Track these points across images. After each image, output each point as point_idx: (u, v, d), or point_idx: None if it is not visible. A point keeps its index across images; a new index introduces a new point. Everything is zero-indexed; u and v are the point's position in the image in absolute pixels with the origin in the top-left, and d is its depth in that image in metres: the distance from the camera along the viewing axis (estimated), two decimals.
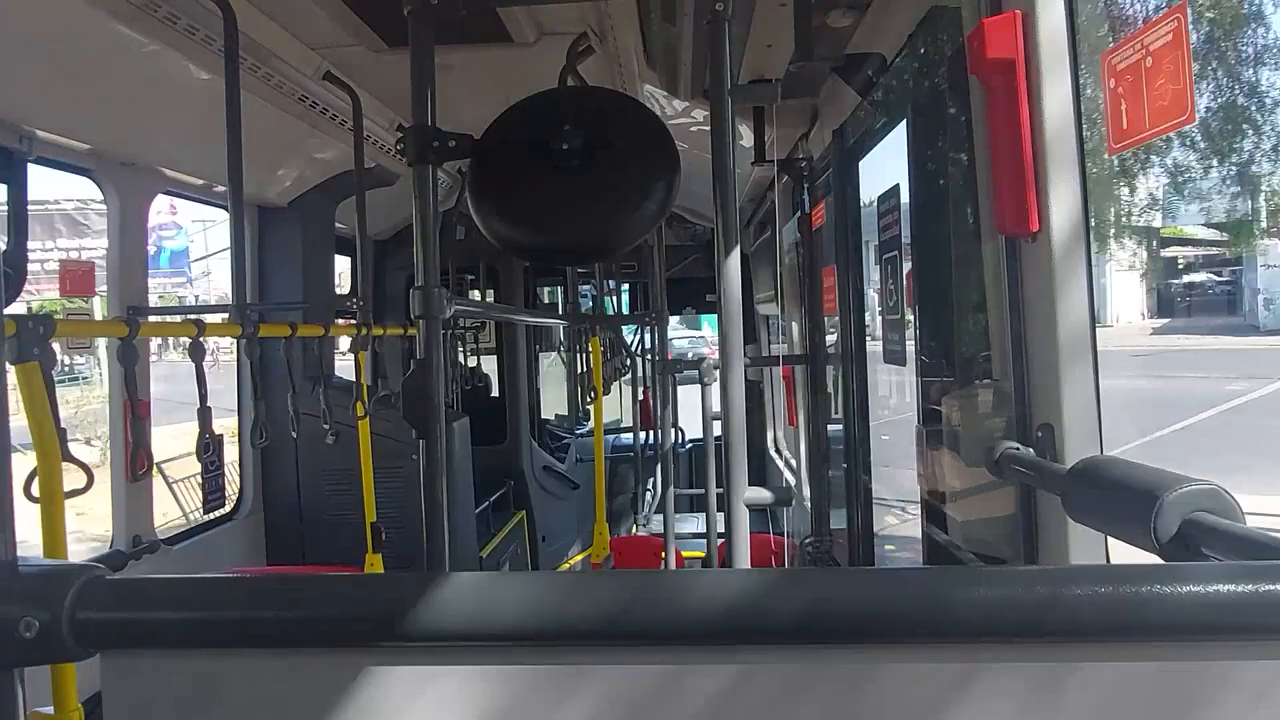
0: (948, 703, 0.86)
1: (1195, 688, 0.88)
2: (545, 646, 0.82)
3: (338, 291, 6.04)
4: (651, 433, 6.99)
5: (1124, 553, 1.87)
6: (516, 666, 0.83)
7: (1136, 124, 1.72)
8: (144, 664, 0.82)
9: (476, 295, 7.09)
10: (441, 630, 0.80)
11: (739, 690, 0.86)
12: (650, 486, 7.60)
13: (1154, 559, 1.34)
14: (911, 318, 2.74)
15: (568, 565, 7.51)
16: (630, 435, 7.33)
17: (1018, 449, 1.94)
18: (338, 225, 5.34)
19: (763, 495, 2.59)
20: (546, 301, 8.66)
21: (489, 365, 7.78)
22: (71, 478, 2.53)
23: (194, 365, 3.28)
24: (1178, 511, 1.31)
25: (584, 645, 0.83)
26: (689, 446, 7.84)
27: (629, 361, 7.37)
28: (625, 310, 8.60)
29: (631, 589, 0.84)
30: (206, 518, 4.75)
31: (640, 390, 7.26)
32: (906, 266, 2.78)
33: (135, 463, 3.85)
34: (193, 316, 3.42)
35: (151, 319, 3.40)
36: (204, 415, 3.47)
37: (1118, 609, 0.86)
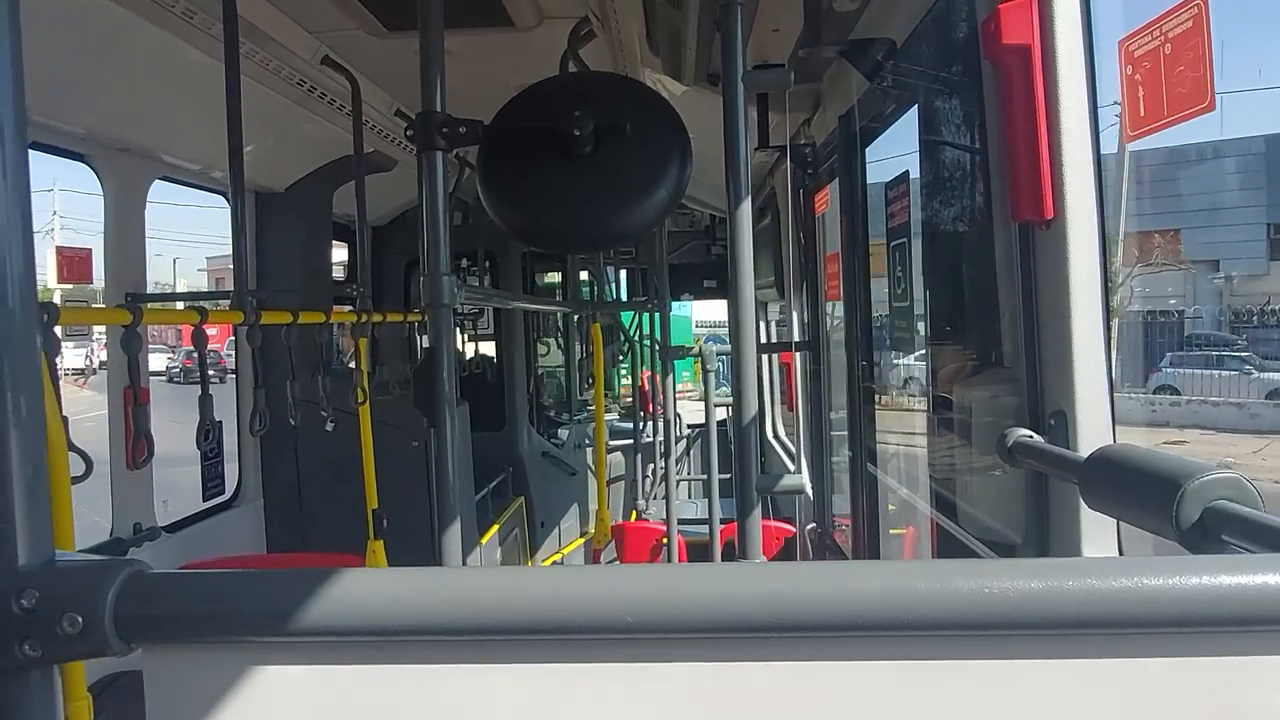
0: (968, 698, 0.86)
1: (1220, 680, 0.88)
2: (609, 640, 0.82)
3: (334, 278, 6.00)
4: (650, 418, 7.00)
5: (1134, 541, 1.88)
6: (568, 661, 0.83)
7: (1155, 111, 1.71)
8: (186, 657, 0.82)
9: (475, 282, 7.06)
10: (489, 625, 0.80)
11: (765, 686, 0.86)
12: (649, 472, 7.61)
13: (1171, 548, 1.34)
14: (921, 305, 2.73)
15: (568, 551, 7.53)
16: (629, 422, 7.34)
17: (1030, 436, 1.93)
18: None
19: (781, 482, 2.58)
20: (543, 285, 8.62)
21: (486, 351, 7.76)
22: None
23: (198, 353, 3.25)
24: (1200, 499, 1.31)
25: (652, 638, 0.83)
26: (688, 433, 7.85)
27: (627, 348, 7.36)
28: (624, 296, 8.59)
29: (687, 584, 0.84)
30: (206, 505, 4.73)
31: (639, 376, 7.26)
32: (915, 252, 2.76)
33: (135, 450, 3.83)
34: (195, 304, 3.39)
35: (152, 306, 3.36)
36: (205, 403, 3.44)
37: (1144, 601, 0.85)
